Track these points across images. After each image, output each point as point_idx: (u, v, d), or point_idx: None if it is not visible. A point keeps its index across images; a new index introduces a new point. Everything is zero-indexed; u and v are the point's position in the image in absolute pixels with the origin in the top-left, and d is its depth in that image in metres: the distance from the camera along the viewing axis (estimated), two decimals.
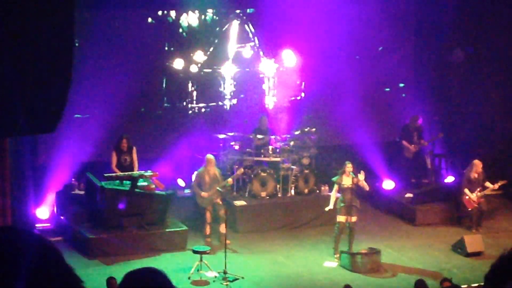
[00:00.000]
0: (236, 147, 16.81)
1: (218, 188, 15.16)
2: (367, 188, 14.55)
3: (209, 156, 15.44)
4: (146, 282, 2.70)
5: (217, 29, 17.91)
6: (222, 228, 14.82)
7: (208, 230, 15.19)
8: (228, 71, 18.09)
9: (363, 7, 18.47)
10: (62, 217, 15.66)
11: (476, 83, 18.52)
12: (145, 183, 15.54)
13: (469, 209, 16.20)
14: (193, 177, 15.81)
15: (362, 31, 18.47)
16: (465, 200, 16.21)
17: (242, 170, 16.15)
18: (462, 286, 12.06)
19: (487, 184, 16.16)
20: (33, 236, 2.36)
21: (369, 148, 18.16)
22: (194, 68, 17.69)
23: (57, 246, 2.39)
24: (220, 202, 15.21)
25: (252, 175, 16.35)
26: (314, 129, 17.40)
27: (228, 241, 14.25)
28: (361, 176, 14.42)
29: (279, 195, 16.57)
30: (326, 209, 14.86)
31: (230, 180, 15.59)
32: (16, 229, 2.41)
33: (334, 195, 14.70)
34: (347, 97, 18.51)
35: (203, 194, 15.22)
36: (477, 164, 16.18)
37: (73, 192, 15.87)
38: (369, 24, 18.44)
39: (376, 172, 17.81)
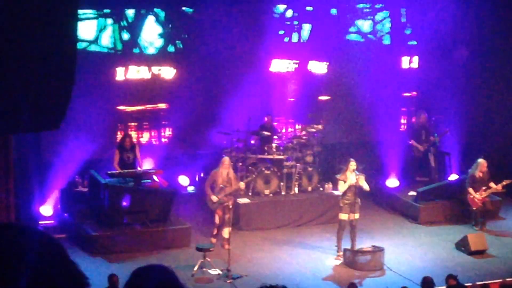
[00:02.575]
0: (240, 145, 16.82)
1: (229, 192, 14.63)
2: (367, 188, 14.46)
3: (224, 158, 14.93)
4: (155, 279, 2.70)
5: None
6: (226, 233, 14.45)
7: (216, 231, 14.74)
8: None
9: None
10: (65, 214, 15.68)
11: (480, 80, 18.50)
12: (149, 181, 15.57)
13: (474, 208, 16.18)
14: (197, 176, 15.78)
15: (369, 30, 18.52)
16: (469, 199, 16.19)
17: (253, 176, 16.05)
18: (466, 284, 12.04)
19: (492, 184, 16.15)
20: (37, 232, 2.36)
21: (373, 146, 18.17)
22: None
23: (61, 242, 2.39)
24: (230, 206, 14.55)
25: (256, 173, 16.34)
26: (320, 126, 17.40)
27: (228, 247, 14.11)
28: (361, 179, 14.33)
29: (283, 192, 16.56)
30: (343, 188, 14.82)
31: (242, 184, 14.98)
32: (20, 225, 2.41)
33: (343, 185, 14.51)
34: (350, 95, 18.52)
35: (213, 197, 14.60)
36: (482, 163, 16.16)
37: (76, 189, 15.89)
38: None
39: (380, 170, 17.82)
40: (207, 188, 14.76)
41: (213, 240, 14.71)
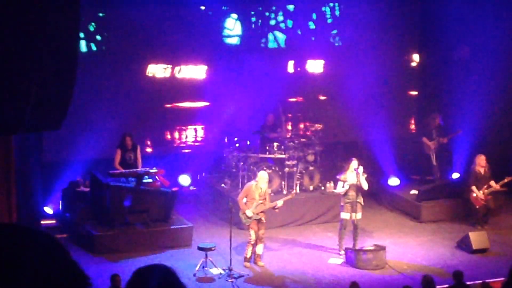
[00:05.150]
0: (241, 144, 16.83)
1: (265, 209, 14.12)
2: (365, 186, 14.43)
3: (263, 173, 14.28)
4: (156, 279, 2.70)
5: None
6: (260, 249, 14.22)
7: (250, 252, 14.03)
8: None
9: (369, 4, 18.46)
10: (67, 214, 15.69)
11: (481, 79, 18.49)
12: (150, 180, 15.58)
13: (477, 207, 16.18)
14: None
15: (367, 27, 18.47)
16: (472, 198, 16.18)
17: (294, 193, 15.85)
18: (467, 283, 12.04)
19: (492, 183, 16.13)
20: (38, 233, 2.37)
21: (375, 144, 18.16)
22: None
23: (62, 242, 2.40)
24: (264, 221, 14.15)
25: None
26: (320, 126, 17.38)
27: (262, 264, 14.11)
28: (361, 177, 14.31)
29: (284, 192, 16.56)
30: (340, 189, 14.67)
31: (281, 202, 14.40)
32: (22, 226, 2.42)
33: (341, 186, 14.53)
34: (352, 93, 18.51)
35: (248, 212, 13.94)
36: (480, 157, 16.17)
37: (78, 189, 15.90)
38: (373, 19, 18.39)
39: (381, 169, 17.82)
40: (240, 202, 14.05)
41: (247, 264, 13.92)
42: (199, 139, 18.11)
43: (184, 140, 17.98)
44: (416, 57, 19.48)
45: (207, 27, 17.61)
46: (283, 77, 18.33)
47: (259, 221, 14.07)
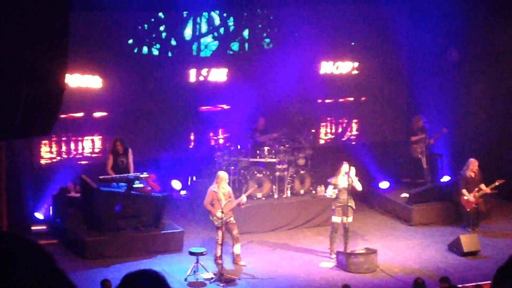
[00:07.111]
0: (232, 148, 16.81)
1: (233, 205, 14.28)
2: (358, 187, 14.47)
3: (222, 173, 14.40)
4: (145, 284, 2.70)
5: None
6: (237, 249, 14.32)
7: (219, 251, 14.09)
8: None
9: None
10: (58, 220, 15.65)
11: (470, 82, 18.54)
12: (141, 185, 15.55)
13: (468, 210, 16.20)
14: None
15: (360, 29, 18.49)
16: (463, 201, 16.21)
17: (256, 186, 15.98)
18: (458, 286, 12.06)
19: (482, 186, 16.14)
20: (25, 241, 2.36)
21: (365, 148, 18.17)
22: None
23: (49, 250, 2.39)
24: (234, 221, 14.26)
25: (248, 176, 16.34)
26: (313, 130, 17.43)
27: (243, 263, 14.20)
28: (354, 179, 14.33)
29: (275, 196, 16.56)
30: (331, 192, 14.63)
31: (244, 197, 14.60)
32: (8, 234, 2.41)
33: (331, 190, 14.54)
34: (343, 97, 18.53)
35: (219, 213, 14.01)
36: (473, 163, 16.19)
37: (69, 195, 15.85)
38: (367, 21, 18.40)
39: (371, 172, 17.83)
40: (208, 207, 14.20)
41: (219, 262, 13.93)
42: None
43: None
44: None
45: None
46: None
47: (228, 222, 14.15)
